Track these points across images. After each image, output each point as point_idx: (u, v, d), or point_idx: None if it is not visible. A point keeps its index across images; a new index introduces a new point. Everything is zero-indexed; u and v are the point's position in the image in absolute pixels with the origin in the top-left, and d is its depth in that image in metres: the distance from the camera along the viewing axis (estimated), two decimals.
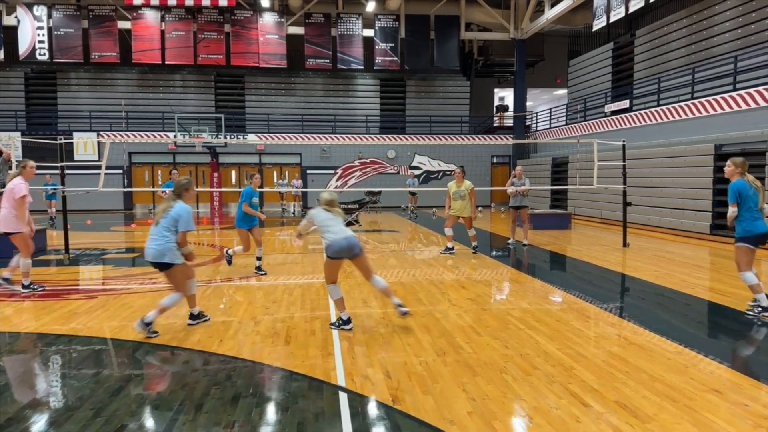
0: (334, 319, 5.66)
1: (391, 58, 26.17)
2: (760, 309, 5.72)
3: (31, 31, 24.43)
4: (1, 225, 7.06)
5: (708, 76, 15.72)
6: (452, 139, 26.35)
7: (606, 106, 20.39)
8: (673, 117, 16.00)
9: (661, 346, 4.83)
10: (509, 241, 12.03)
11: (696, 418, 3.42)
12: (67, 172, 10.75)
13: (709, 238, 12.55)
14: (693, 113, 15.13)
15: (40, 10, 24.40)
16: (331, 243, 5.37)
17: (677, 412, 3.49)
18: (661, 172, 14.85)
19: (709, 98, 14.54)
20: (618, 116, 19.11)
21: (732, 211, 5.71)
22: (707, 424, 3.34)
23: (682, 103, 15.64)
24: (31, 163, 7.35)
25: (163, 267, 5.21)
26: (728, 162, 5.93)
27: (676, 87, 16.94)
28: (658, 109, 16.79)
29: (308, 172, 26.29)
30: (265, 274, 8.46)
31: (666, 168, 14.65)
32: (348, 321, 5.41)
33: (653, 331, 5.32)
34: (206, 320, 5.66)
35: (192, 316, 5.59)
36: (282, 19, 25.63)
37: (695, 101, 15.09)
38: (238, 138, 25.28)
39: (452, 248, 10.67)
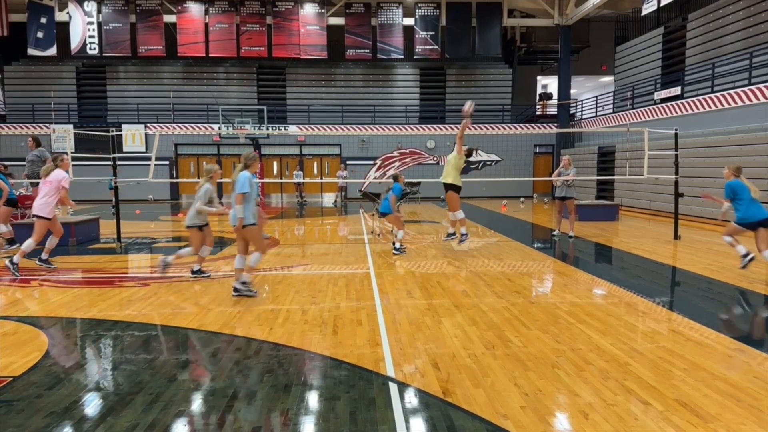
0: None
1: (431, 47, 25.94)
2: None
3: (82, 27, 25.26)
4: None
5: (766, 61, 14.95)
6: (493, 129, 25.94)
7: (655, 94, 19.69)
8: (729, 104, 15.31)
9: (720, 343, 4.65)
10: (554, 233, 11.80)
11: (762, 418, 3.27)
12: (118, 163, 11.12)
13: None
14: (750, 100, 14.44)
15: (91, 6, 25.19)
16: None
17: (742, 412, 3.35)
18: (715, 162, 14.24)
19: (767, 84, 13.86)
20: (668, 104, 18.42)
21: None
22: None
23: (738, 90, 14.95)
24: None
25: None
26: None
27: (732, 72, 16.20)
28: (712, 95, 16.10)
29: (348, 162, 26.39)
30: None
31: (720, 158, 14.04)
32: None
33: (711, 327, 5.12)
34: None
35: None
36: (322, 10, 25.71)
37: (753, 87, 14.39)
38: (279, 129, 25.58)
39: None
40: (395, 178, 10.21)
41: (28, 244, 7.85)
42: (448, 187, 9.55)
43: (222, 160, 26.71)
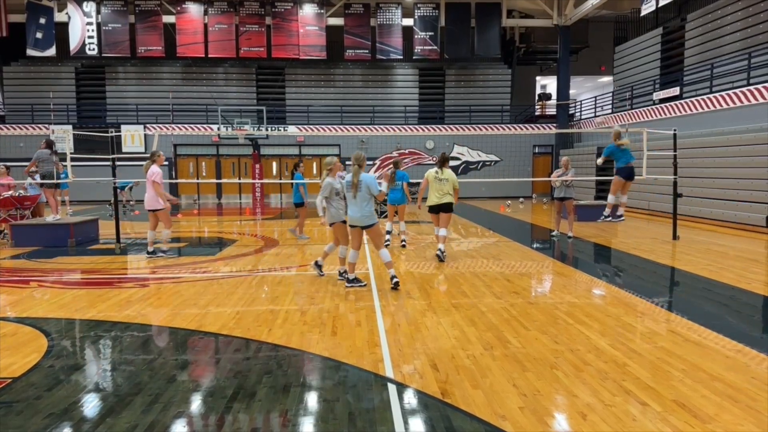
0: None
1: (430, 47, 25.95)
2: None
3: (81, 27, 25.24)
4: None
5: (765, 61, 14.99)
6: (493, 129, 25.96)
7: (654, 94, 19.72)
8: (727, 104, 15.34)
9: (719, 344, 4.66)
10: (553, 233, 11.82)
11: (760, 419, 3.28)
12: (117, 164, 11.11)
13: (764, 231, 12.02)
14: (749, 100, 14.47)
15: (90, 6, 25.18)
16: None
17: (739, 413, 3.36)
18: (713, 162, 14.28)
19: (766, 84, 13.87)
20: (667, 104, 18.45)
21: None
22: None
23: (737, 90, 14.98)
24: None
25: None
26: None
27: (730, 73, 16.23)
28: (710, 96, 16.13)
29: (347, 163, 26.36)
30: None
31: (719, 158, 14.08)
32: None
33: (709, 327, 5.13)
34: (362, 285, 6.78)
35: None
36: (322, 11, 25.72)
37: (751, 88, 14.43)
38: (278, 130, 25.59)
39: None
40: (396, 164, 10.26)
41: (166, 233, 9.45)
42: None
43: (221, 160, 26.71)
